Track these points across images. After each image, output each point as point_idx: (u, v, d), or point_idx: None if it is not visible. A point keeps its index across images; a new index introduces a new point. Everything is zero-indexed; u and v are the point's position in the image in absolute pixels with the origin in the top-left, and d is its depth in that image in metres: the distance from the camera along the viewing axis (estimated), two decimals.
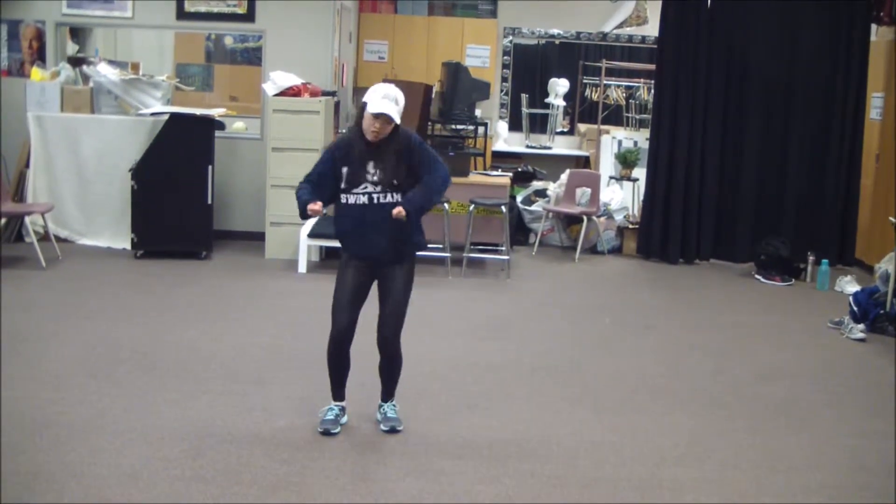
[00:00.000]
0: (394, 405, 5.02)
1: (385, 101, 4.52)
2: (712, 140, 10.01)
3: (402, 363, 4.95)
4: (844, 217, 9.99)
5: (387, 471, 4.46)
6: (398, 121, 4.57)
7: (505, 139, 12.68)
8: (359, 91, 12.03)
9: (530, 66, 13.06)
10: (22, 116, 9.21)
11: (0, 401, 5.02)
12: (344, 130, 10.03)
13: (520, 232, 10.60)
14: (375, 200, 4.66)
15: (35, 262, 8.16)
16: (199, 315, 7.05)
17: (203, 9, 9.59)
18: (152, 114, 9.07)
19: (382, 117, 4.53)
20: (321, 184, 4.72)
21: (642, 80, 12.34)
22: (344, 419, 4.95)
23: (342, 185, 4.70)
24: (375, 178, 4.63)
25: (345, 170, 4.67)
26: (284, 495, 4.14)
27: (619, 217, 10.60)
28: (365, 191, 4.66)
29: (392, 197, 4.65)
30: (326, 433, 4.80)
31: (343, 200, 4.72)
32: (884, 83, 9.88)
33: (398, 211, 4.59)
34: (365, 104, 4.56)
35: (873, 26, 9.97)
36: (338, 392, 4.97)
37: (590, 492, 4.35)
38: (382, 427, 4.92)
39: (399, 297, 4.80)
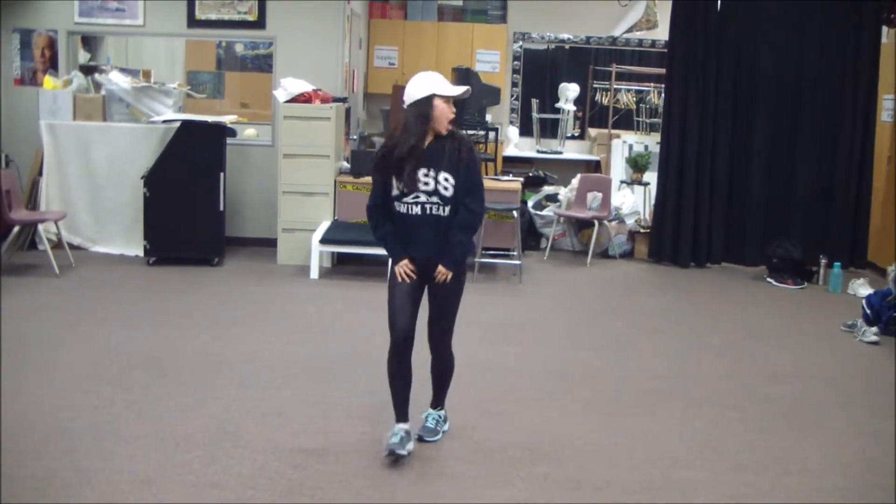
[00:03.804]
0: (437, 416, 4.87)
1: (446, 84, 4.46)
2: (723, 143, 10.00)
3: (453, 368, 4.82)
4: (856, 219, 9.97)
5: (400, 475, 4.46)
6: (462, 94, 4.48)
7: (516, 144, 12.69)
8: (369, 97, 12.07)
9: (540, 71, 13.07)
10: (34, 124, 9.27)
11: (0, 407, 5.05)
12: (355, 138, 10.18)
13: (531, 237, 10.60)
14: (429, 211, 4.49)
15: (48, 270, 8.20)
16: (211, 321, 7.07)
17: (214, 16, 9.62)
18: (164, 121, 9.10)
19: (448, 99, 4.46)
20: (387, 204, 4.56)
21: (652, 84, 12.33)
22: (410, 445, 4.62)
23: (393, 193, 4.52)
24: (429, 186, 4.45)
25: (395, 179, 4.48)
26: (298, 500, 4.15)
27: (630, 221, 10.59)
28: (417, 201, 4.48)
29: (444, 210, 4.49)
30: (391, 454, 4.51)
31: (396, 208, 4.54)
32: (894, 85, 9.85)
33: (443, 275, 4.52)
34: (421, 100, 4.42)
35: (884, 28, 9.95)
36: (401, 412, 4.68)
37: (602, 494, 4.35)
38: (418, 433, 4.79)
39: (447, 303, 4.62)
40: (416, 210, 4.48)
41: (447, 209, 4.49)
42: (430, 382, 4.88)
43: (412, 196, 4.46)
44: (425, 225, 4.50)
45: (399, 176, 4.45)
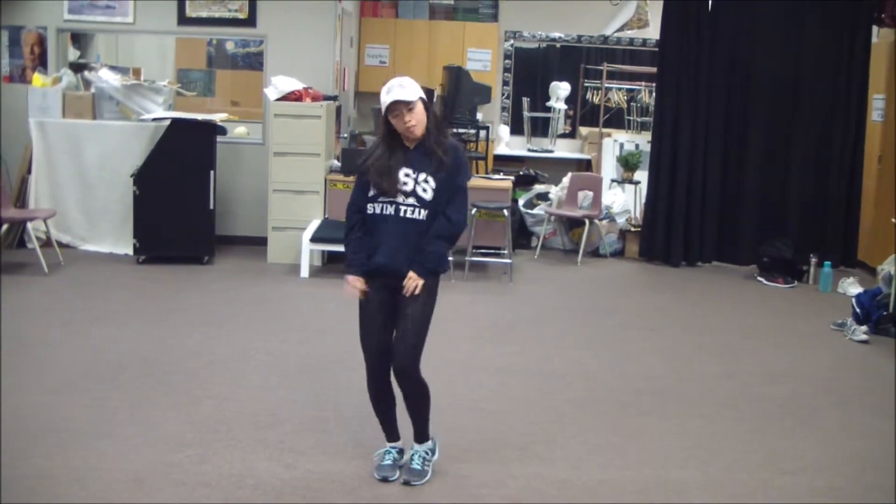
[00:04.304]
0: (424, 454, 4.46)
1: (391, 93, 4.10)
2: (714, 142, 10.01)
3: (428, 395, 4.39)
4: (847, 219, 9.99)
5: None
6: (414, 97, 4.11)
7: (507, 143, 12.67)
8: (360, 95, 12.05)
9: (531, 70, 13.06)
10: (24, 122, 9.22)
11: (0, 406, 5.02)
12: (345, 136, 10.16)
13: (522, 235, 10.59)
14: (402, 213, 4.19)
15: (37, 268, 8.16)
16: (201, 320, 7.04)
17: (204, 14, 9.59)
18: (154, 119, 9.07)
19: (401, 106, 4.10)
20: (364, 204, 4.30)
21: (643, 83, 12.34)
22: (403, 460, 4.48)
23: (370, 193, 4.25)
24: (407, 187, 4.17)
25: (374, 180, 4.22)
26: (290, 500, 4.14)
27: (621, 220, 10.59)
28: (392, 201, 4.19)
29: (420, 213, 4.19)
30: (385, 480, 4.35)
31: (369, 210, 4.26)
32: (885, 85, 9.88)
33: (413, 286, 4.17)
34: (385, 113, 4.18)
35: (874, 28, 9.97)
36: (390, 432, 4.50)
37: (595, 494, 4.35)
38: (404, 476, 4.41)
39: (415, 317, 4.23)
40: (390, 210, 4.19)
41: (423, 213, 4.18)
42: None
43: (387, 196, 4.19)
44: (397, 228, 4.19)
45: (379, 175, 4.20)
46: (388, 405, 4.44)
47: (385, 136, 4.27)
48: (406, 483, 4.36)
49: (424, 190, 4.18)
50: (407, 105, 4.11)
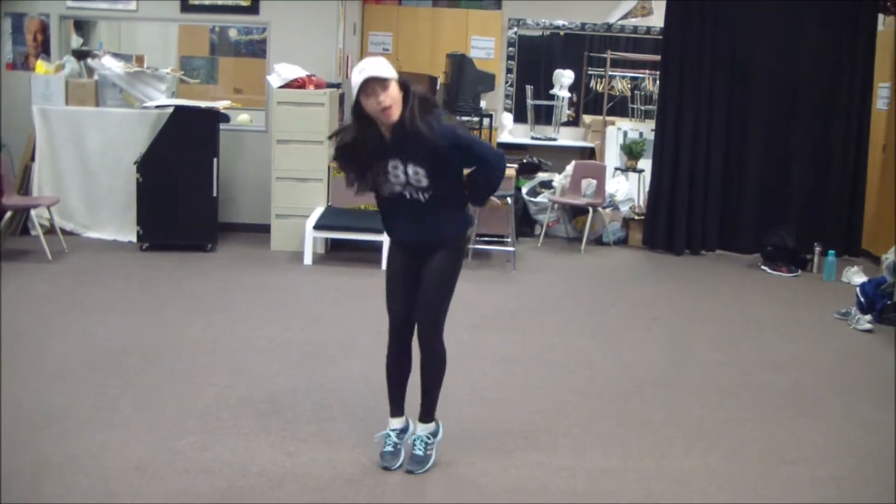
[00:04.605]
0: (426, 438, 4.42)
1: (364, 71, 3.87)
2: (718, 131, 9.98)
3: (443, 368, 4.38)
4: (851, 208, 9.96)
5: None
6: (388, 75, 3.89)
7: (510, 131, 12.64)
8: None
9: (535, 58, 13.01)
10: (27, 110, 9.21)
11: (0, 393, 5.02)
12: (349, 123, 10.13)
13: (525, 223, 10.58)
14: (409, 196, 4.12)
15: (41, 255, 8.16)
16: (204, 308, 7.04)
17: (207, 1, 9.56)
18: (157, 106, 9.06)
19: (371, 85, 3.87)
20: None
21: (647, 72, 12.28)
22: (404, 440, 4.46)
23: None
24: (399, 179, 4.06)
25: (367, 174, 4.11)
26: (292, 488, 4.14)
27: (624, 208, 10.57)
28: (394, 191, 4.13)
29: (425, 195, 4.09)
30: (387, 469, 4.33)
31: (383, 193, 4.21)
32: (890, 73, 9.84)
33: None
34: (357, 95, 3.94)
35: (879, 16, 9.93)
36: (395, 404, 4.47)
37: (597, 483, 4.34)
38: (406, 465, 4.37)
39: (434, 282, 4.21)
40: (397, 190, 4.14)
41: (427, 195, 4.09)
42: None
43: (386, 188, 4.13)
44: (410, 207, 4.14)
45: (357, 174, 4.13)
46: (402, 373, 4.45)
47: (359, 125, 4.05)
48: (409, 472, 4.35)
49: (418, 180, 4.05)
50: (382, 83, 3.88)
